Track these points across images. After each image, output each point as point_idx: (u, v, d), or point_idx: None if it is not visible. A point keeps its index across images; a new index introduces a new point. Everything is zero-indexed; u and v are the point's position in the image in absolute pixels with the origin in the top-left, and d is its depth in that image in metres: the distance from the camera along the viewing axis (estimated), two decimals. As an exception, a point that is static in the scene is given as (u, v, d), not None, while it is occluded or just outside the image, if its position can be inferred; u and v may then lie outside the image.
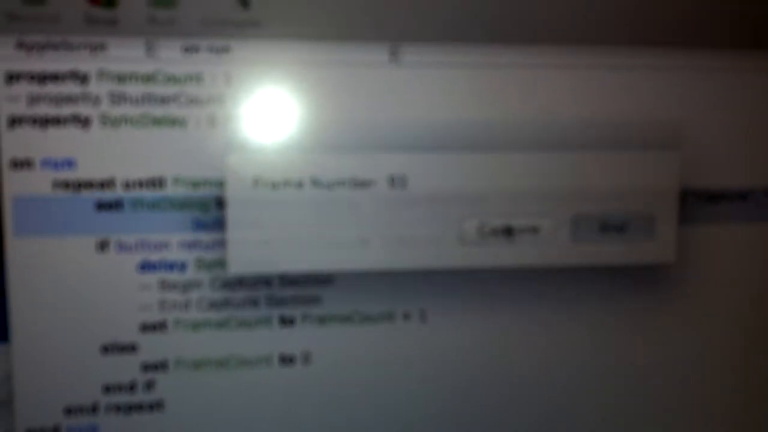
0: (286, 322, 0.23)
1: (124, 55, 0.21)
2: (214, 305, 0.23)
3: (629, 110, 0.24)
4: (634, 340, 0.25)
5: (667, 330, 0.26)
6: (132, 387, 0.23)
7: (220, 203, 0.22)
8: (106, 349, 0.22)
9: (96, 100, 0.21)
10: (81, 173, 0.22)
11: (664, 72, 0.24)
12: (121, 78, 0.21)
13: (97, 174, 0.22)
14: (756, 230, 0.25)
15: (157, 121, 0.22)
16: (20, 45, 0.21)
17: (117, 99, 0.21)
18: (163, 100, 0.22)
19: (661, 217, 0.24)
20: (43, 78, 0.21)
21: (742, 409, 0.27)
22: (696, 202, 0.25)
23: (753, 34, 0.24)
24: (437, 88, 0.23)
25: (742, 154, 0.25)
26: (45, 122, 0.21)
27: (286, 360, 0.24)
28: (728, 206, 0.25)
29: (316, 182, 0.22)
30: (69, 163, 0.22)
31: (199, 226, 0.22)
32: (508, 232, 0.24)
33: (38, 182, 0.21)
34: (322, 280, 0.23)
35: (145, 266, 0.22)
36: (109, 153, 0.22)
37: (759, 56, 0.25)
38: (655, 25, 0.24)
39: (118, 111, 0.21)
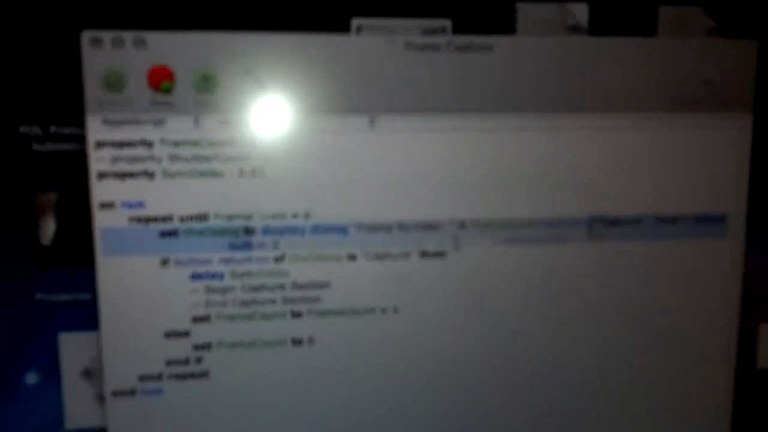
0: (296, 315, 0.32)
1: (178, 127, 0.30)
2: (244, 304, 0.31)
3: (558, 165, 0.33)
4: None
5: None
6: (186, 361, 0.31)
7: (247, 231, 0.31)
8: (168, 335, 0.31)
9: (158, 160, 0.30)
10: (148, 211, 0.30)
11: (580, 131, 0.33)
12: (176, 144, 0.30)
13: (160, 212, 0.30)
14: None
15: (202, 174, 0.30)
16: (105, 121, 0.29)
17: (173, 159, 0.30)
18: (206, 159, 0.30)
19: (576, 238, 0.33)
20: (120, 144, 0.29)
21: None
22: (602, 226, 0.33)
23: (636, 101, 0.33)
24: (406, 147, 0.32)
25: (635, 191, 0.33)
26: (123, 176, 0.30)
27: (297, 342, 0.32)
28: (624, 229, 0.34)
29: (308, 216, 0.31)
30: (140, 204, 0.30)
31: (233, 247, 0.31)
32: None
33: (118, 218, 0.30)
34: (322, 285, 0.32)
35: (195, 276, 0.31)
36: (168, 196, 0.30)
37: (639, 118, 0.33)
38: (577, 98, 0.32)
39: (174, 167, 0.30)
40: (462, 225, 0.32)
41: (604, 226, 0.33)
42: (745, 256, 0.35)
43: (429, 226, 0.32)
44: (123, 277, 0.30)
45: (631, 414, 0.36)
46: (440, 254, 0.33)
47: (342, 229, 0.32)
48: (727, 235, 0.35)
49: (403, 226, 0.32)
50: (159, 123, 0.30)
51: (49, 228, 0.30)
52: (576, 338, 0.34)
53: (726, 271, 0.35)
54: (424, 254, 0.32)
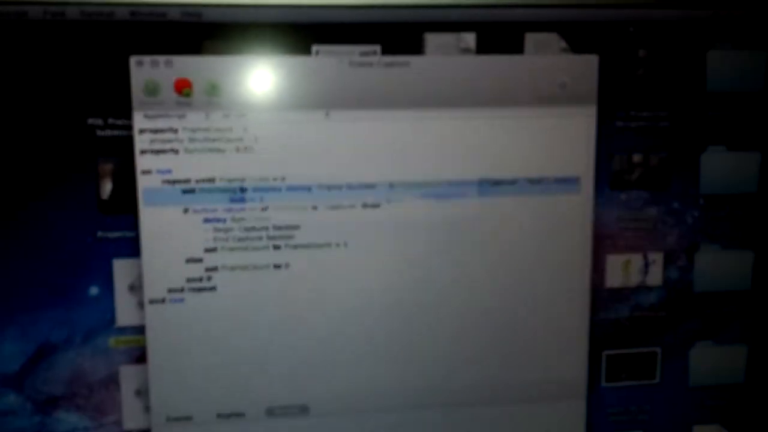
0: (276, 247, 0.44)
1: (194, 120, 0.43)
2: (240, 240, 0.44)
3: (454, 145, 0.46)
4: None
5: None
6: (200, 279, 0.43)
7: (242, 189, 0.45)
8: (187, 260, 0.43)
9: (181, 141, 0.42)
10: (174, 176, 0.42)
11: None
12: (193, 130, 0.43)
13: (182, 176, 0.42)
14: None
15: (211, 150, 0.43)
16: (145, 116, 0.43)
17: (191, 140, 0.43)
18: (213, 140, 0.43)
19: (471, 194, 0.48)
20: (155, 131, 0.43)
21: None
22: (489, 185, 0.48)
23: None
24: (351, 131, 0.46)
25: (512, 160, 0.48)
26: (157, 152, 0.42)
27: (277, 266, 0.44)
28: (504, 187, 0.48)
29: (284, 179, 0.46)
30: (169, 171, 0.42)
31: (232, 200, 0.44)
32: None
33: (154, 181, 0.42)
34: (294, 227, 0.45)
35: (206, 220, 0.43)
36: (188, 166, 0.42)
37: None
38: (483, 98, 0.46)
39: (191, 146, 0.43)
40: (391, 185, 0.45)
41: (490, 185, 0.46)
42: (593, 206, 0.47)
43: (368, 186, 0.45)
44: (157, 221, 0.43)
45: (514, 327, 0.48)
46: (376, 205, 0.45)
47: (308, 188, 0.44)
48: (580, 192, 0.47)
49: (350, 186, 0.44)
50: (181, 117, 0.42)
51: (107, 187, 0.43)
52: (469, 266, 0.46)
53: (580, 218, 0.47)
54: (365, 205, 0.45)
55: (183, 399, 0.45)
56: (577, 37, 0.45)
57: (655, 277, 0.50)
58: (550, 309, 0.48)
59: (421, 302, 0.47)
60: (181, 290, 0.44)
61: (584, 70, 0.46)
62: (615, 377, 0.50)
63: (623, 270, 0.49)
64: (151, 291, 0.44)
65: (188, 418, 0.46)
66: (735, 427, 0.52)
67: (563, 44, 0.45)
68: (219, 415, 0.46)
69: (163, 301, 0.44)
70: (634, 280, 0.49)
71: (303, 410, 0.47)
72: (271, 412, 0.46)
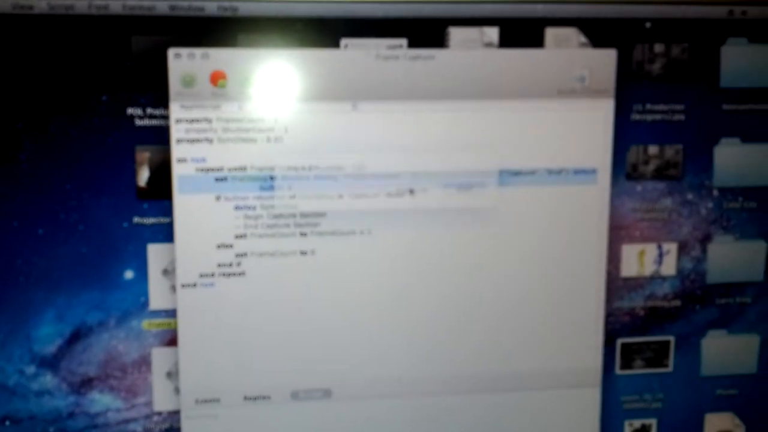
0: (303, 234, 0.46)
1: (228, 110, 0.46)
2: (268, 226, 0.46)
3: (476, 136, 0.51)
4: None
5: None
6: (230, 264, 0.46)
7: (272, 178, 0.49)
8: (218, 246, 0.45)
9: (215, 131, 0.46)
10: (208, 164, 0.45)
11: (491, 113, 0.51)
12: (226, 121, 0.46)
13: (215, 165, 0.45)
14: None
15: (243, 140, 0.46)
16: (182, 106, 0.47)
17: (225, 130, 0.46)
18: (246, 130, 0.46)
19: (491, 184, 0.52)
20: (191, 121, 0.46)
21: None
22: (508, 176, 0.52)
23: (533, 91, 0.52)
24: (378, 123, 0.50)
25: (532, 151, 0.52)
26: (192, 141, 0.45)
27: (303, 253, 0.47)
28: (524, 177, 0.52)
29: (311, 168, 0.50)
30: (203, 160, 0.45)
31: (262, 188, 0.46)
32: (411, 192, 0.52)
33: (188, 169, 0.45)
34: (320, 214, 0.49)
35: (237, 207, 0.45)
36: (221, 155, 0.45)
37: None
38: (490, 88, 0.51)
39: (225, 135, 0.46)
40: (414, 175, 0.48)
41: (510, 176, 0.50)
42: (610, 197, 0.50)
43: (392, 175, 0.48)
44: (191, 208, 0.46)
45: (532, 315, 0.51)
46: (400, 194, 0.48)
47: (334, 177, 0.47)
48: (598, 183, 0.50)
49: (375, 175, 0.47)
50: (216, 107, 0.46)
51: (144, 174, 0.47)
52: (489, 254, 0.50)
53: (597, 208, 0.50)
54: (389, 194, 0.49)
55: (211, 381, 0.49)
56: (595, 32, 0.49)
57: (669, 267, 0.54)
58: (566, 297, 0.51)
59: (442, 290, 0.50)
60: (212, 275, 0.47)
61: (602, 64, 0.50)
62: (629, 365, 0.54)
63: (638, 260, 0.53)
64: (183, 275, 0.47)
65: (216, 400, 0.50)
66: (747, 415, 0.56)
67: (582, 39, 0.49)
68: (246, 398, 0.50)
69: (194, 285, 0.47)
70: (649, 269, 0.53)
71: (326, 394, 0.51)
72: (295, 395, 0.50)
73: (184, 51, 0.46)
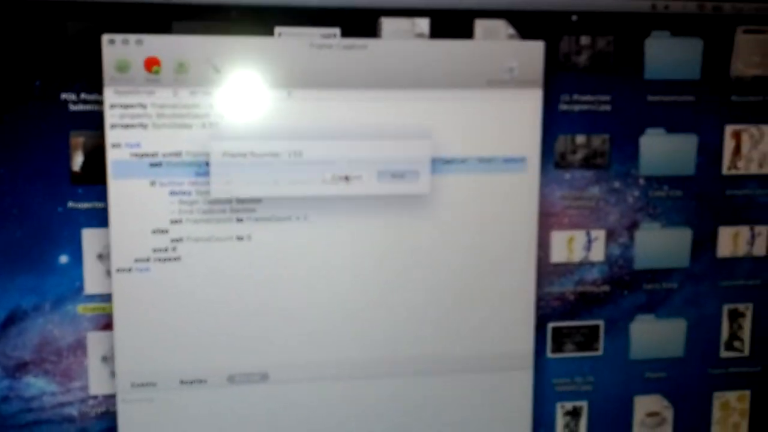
0: (239, 220, 0.47)
1: (163, 96, 0.48)
2: (204, 212, 0.47)
3: (408, 124, 0.53)
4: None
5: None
6: (165, 249, 0.47)
7: (207, 164, 0.50)
8: (154, 231, 0.46)
9: (150, 116, 0.47)
10: (143, 150, 0.46)
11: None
12: (161, 106, 0.47)
13: (150, 150, 0.46)
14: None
15: (178, 126, 0.47)
16: (116, 91, 0.48)
17: (159, 116, 0.47)
18: (180, 116, 0.47)
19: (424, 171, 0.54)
20: (125, 106, 0.47)
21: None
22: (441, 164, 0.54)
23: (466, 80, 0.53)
24: (311, 109, 0.52)
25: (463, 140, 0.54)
26: (126, 126, 0.46)
27: (239, 238, 0.48)
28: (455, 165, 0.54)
29: (248, 154, 0.51)
30: (137, 145, 0.46)
31: (197, 174, 0.48)
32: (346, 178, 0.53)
33: (123, 154, 0.45)
34: (256, 200, 0.51)
35: (172, 193, 0.46)
36: (155, 140, 0.46)
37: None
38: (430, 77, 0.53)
39: (159, 121, 0.47)
40: (349, 162, 0.50)
41: (442, 164, 0.52)
42: (539, 185, 0.52)
43: (327, 162, 0.50)
44: (125, 193, 0.47)
45: (465, 301, 0.52)
46: (335, 181, 0.50)
47: (270, 164, 0.48)
48: (527, 171, 0.52)
49: (311, 162, 0.49)
50: (150, 93, 0.47)
51: (79, 159, 0.48)
52: (422, 240, 0.51)
53: (527, 196, 0.52)
54: (324, 181, 0.50)
55: (147, 365, 0.50)
56: (524, 24, 0.51)
57: (598, 253, 0.56)
58: (498, 282, 0.53)
59: (376, 275, 0.51)
60: (147, 260, 0.48)
61: (531, 56, 0.52)
62: (560, 349, 0.56)
63: (567, 246, 0.55)
64: (118, 260, 0.48)
65: (152, 384, 0.50)
66: (675, 397, 0.59)
67: (511, 30, 0.51)
68: (182, 382, 0.51)
69: (129, 270, 0.48)
70: (578, 256, 0.55)
71: (263, 377, 0.52)
72: (232, 379, 0.51)
73: (118, 37, 0.46)
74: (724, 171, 0.56)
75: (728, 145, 0.56)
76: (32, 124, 0.47)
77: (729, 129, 0.56)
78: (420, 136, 0.51)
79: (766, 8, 0.54)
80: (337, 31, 0.49)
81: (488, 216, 0.52)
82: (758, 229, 0.57)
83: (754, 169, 0.56)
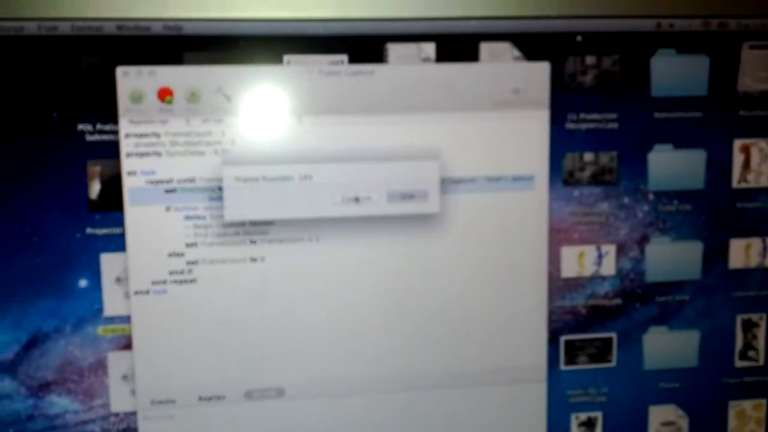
0: (252, 242, 0.49)
1: (176, 124, 0.49)
2: (218, 235, 0.48)
3: (417, 146, 0.54)
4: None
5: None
6: (182, 272, 0.48)
7: (220, 188, 0.51)
8: (170, 254, 0.47)
9: (164, 144, 0.49)
10: (158, 177, 0.47)
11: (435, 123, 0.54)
12: (174, 135, 0.49)
13: (165, 177, 0.48)
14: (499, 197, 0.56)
15: (191, 153, 0.49)
16: (131, 121, 0.50)
17: (173, 144, 0.49)
18: (194, 144, 0.48)
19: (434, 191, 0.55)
20: (140, 135, 0.49)
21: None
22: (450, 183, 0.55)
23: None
24: (321, 134, 0.53)
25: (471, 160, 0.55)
26: (141, 154, 0.48)
27: (253, 260, 0.49)
28: (464, 185, 0.55)
29: (260, 178, 0.53)
30: (152, 172, 0.47)
31: (211, 199, 0.49)
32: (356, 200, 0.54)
33: (139, 181, 0.47)
34: (269, 222, 0.52)
35: (187, 217, 0.47)
36: (170, 167, 0.47)
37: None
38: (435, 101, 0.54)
39: (173, 149, 0.49)
40: (359, 184, 0.51)
41: (451, 183, 0.53)
42: (548, 202, 0.53)
43: (338, 185, 0.51)
44: (142, 219, 0.48)
45: (479, 316, 0.53)
46: (346, 203, 0.51)
47: (281, 187, 0.49)
48: (535, 188, 0.52)
49: (321, 185, 0.50)
50: (164, 122, 0.48)
51: (96, 187, 0.49)
52: (435, 259, 0.52)
53: (536, 213, 0.53)
54: (335, 203, 0.51)
55: (166, 383, 0.52)
56: (529, 46, 0.51)
57: (609, 267, 0.56)
58: (510, 298, 0.53)
59: (390, 293, 0.52)
60: (164, 282, 0.49)
61: (536, 77, 0.53)
62: (573, 361, 0.57)
63: (578, 261, 0.56)
64: (136, 283, 0.49)
65: (172, 401, 0.52)
66: (689, 406, 0.59)
67: (516, 53, 0.52)
68: (200, 398, 0.52)
69: (147, 292, 0.49)
70: (589, 270, 0.56)
71: (279, 393, 0.53)
72: (249, 395, 0.53)
73: (132, 69, 0.48)
74: (734, 184, 0.56)
75: (737, 159, 0.56)
76: (50, 154, 0.48)
77: (738, 143, 0.56)
78: (429, 157, 0.52)
79: (773, 23, 0.54)
80: (344, 57, 0.50)
81: (498, 233, 0.53)
82: (770, 240, 0.57)
83: (764, 182, 0.56)
